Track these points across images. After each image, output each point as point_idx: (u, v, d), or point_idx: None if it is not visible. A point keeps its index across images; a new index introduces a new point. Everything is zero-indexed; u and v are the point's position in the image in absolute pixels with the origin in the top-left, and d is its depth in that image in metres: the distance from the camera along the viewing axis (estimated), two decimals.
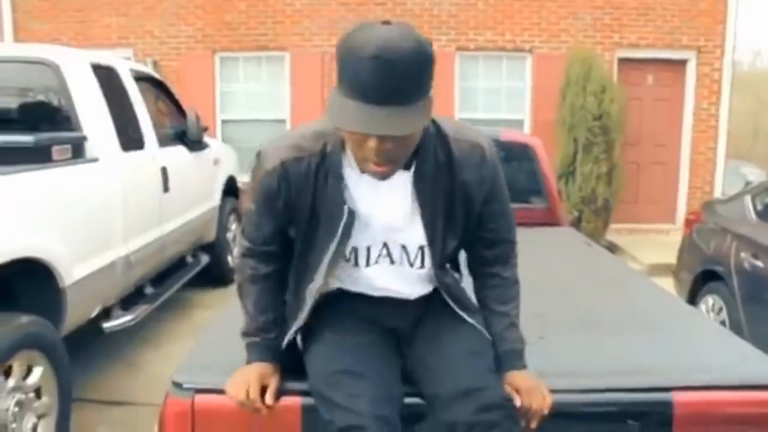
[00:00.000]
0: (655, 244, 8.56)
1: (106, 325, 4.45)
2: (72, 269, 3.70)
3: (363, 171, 1.62)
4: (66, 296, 3.65)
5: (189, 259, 6.18)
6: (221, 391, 1.70)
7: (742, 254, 4.68)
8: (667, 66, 9.62)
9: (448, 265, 1.88)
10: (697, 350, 2.19)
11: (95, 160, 4.21)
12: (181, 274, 5.77)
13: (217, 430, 1.83)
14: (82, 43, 9.05)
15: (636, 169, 9.68)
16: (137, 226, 4.60)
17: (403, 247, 1.73)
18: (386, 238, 1.71)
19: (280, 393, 1.73)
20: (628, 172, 9.30)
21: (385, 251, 1.73)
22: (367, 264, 1.73)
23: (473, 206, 1.73)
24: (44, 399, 3.38)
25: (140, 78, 5.35)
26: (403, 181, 1.66)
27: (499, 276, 1.85)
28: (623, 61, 9.52)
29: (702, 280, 5.25)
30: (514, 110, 9.51)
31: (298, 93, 9.28)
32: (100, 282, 4.10)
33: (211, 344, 2.26)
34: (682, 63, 9.62)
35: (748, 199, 5.19)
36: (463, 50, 9.37)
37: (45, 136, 3.91)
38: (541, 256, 3.47)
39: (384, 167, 1.51)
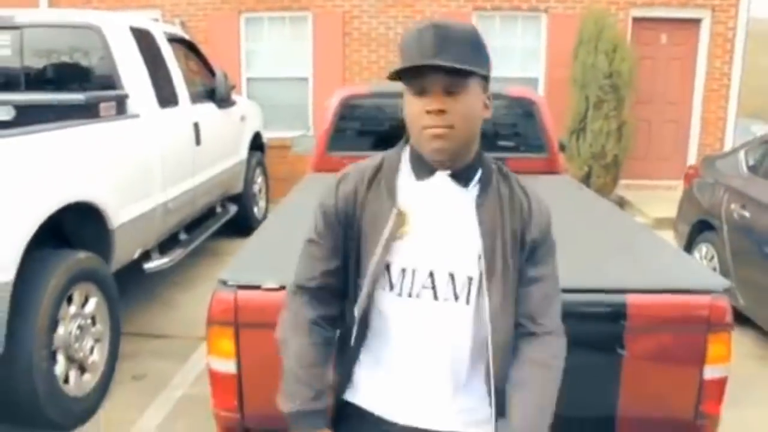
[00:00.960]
0: (664, 200, 8.83)
1: (147, 266, 4.93)
2: (119, 213, 4.16)
3: (421, 168, 1.55)
4: (114, 237, 4.12)
5: (218, 209, 6.63)
6: (259, 287, 2.09)
7: (733, 205, 5.03)
8: (680, 25, 9.78)
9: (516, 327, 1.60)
10: (652, 264, 2.61)
11: (137, 115, 4.64)
12: (211, 223, 6.24)
13: (256, 320, 2.20)
14: (112, 5, 9.42)
15: (648, 126, 9.92)
16: (173, 176, 5.04)
17: (451, 276, 1.53)
18: (434, 262, 1.53)
19: None
20: (639, 130, 9.56)
21: (429, 281, 1.53)
22: (410, 294, 1.54)
23: (524, 255, 1.59)
24: (98, 326, 3.87)
25: (173, 39, 5.74)
26: (464, 196, 1.55)
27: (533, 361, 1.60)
28: (637, 21, 9.69)
29: (698, 231, 5.61)
30: (528, 68, 9.75)
31: (320, 52, 9.61)
32: (142, 225, 4.56)
33: (252, 251, 2.70)
34: (696, 22, 9.77)
35: (742, 154, 5.52)
36: (480, 10, 9.60)
37: (94, 94, 4.34)
38: None
39: (440, 131, 1.43)
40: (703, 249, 5.45)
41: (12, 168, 3.28)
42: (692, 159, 9.88)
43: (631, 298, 2.23)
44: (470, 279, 1.53)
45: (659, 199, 8.96)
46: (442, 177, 1.53)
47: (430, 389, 1.58)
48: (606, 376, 2.27)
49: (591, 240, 2.98)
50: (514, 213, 1.56)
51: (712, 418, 2.32)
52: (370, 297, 1.54)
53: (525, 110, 4.83)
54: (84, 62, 4.84)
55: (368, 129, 4.86)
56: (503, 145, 4.78)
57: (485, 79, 1.48)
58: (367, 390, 1.63)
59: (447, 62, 1.37)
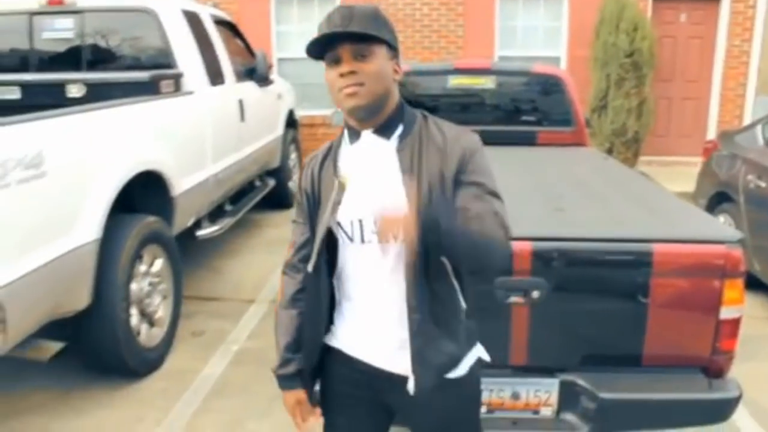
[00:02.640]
0: (684, 175, 9.06)
1: (199, 233, 5.29)
2: (180, 181, 4.51)
3: (351, 133, 1.78)
4: (176, 204, 4.47)
5: (257, 182, 6.97)
6: None
7: (749, 176, 5.30)
8: (700, 4, 9.98)
9: (447, 266, 1.77)
10: (674, 219, 2.94)
11: (191, 92, 4.97)
12: (252, 195, 6.59)
13: None
14: None
15: (668, 104, 10.16)
16: (222, 149, 5.39)
17: None
18: (375, 210, 1.69)
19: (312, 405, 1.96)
20: (660, 107, 9.81)
21: (374, 227, 1.70)
22: (362, 240, 1.75)
23: (453, 188, 1.70)
24: (164, 285, 4.23)
25: (217, 21, 6.07)
26: (387, 147, 1.75)
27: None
28: (657, 0, 9.91)
29: (717, 202, 5.89)
30: (551, 48, 10.01)
31: None
32: (197, 195, 4.91)
33: None
34: (716, 1, 9.96)
35: (759, 128, 5.78)
36: None
37: (156, 73, 4.67)
38: (568, 165, 4.32)
39: (353, 88, 1.64)
40: (721, 219, 5.70)
41: (99, 138, 3.65)
42: (711, 135, 10.06)
43: (657, 247, 2.53)
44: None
45: (679, 175, 9.19)
46: (367, 135, 1.75)
47: (387, 327, 1.77)
48: (633, 316, 2.58)
49: (619, 200, 3.31)
50: (431, 151, 1.72)
51: (728, 354, 2.63)
52: (320, 254, 1.78)
53: (552, 86, 5.14)
54: (140, 43, 5.16)
55: None
56: (533, 120, 5.10)
57: (393, 49, 1.72)
58: (342, 333, 1.87)
59: (350, 29, 1.62)
